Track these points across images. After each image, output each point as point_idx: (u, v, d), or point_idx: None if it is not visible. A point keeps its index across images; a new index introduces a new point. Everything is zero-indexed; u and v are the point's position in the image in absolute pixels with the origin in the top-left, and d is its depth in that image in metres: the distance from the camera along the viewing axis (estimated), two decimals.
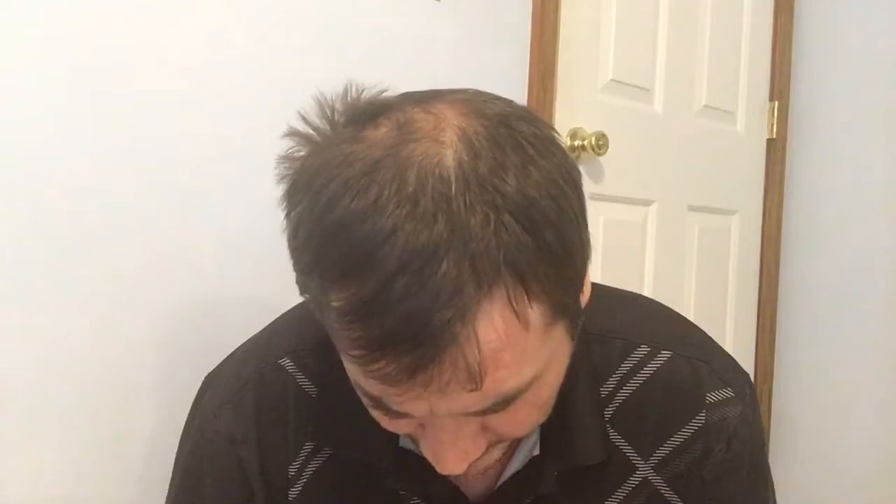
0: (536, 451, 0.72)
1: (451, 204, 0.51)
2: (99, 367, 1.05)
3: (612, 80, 1.78)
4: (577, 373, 0.71)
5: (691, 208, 2.01)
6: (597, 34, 1.76)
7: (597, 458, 0.73)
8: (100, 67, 1.03)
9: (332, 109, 0.58)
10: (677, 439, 0.75)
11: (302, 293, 0.59)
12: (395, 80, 1.36)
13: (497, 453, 0.65)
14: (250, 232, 1.17)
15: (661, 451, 0.75)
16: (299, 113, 0.59)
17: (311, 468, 0.76)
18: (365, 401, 0.60)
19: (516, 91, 1.57)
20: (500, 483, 0.73)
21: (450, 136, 0.54)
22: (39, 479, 1.01)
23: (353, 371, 0.58)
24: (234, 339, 0.86)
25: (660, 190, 1.92)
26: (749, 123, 2.16)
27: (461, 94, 0.59)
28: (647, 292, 1.85)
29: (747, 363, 2.16)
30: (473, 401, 0.55)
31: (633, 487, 0.75)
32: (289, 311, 0.83)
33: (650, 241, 1.91)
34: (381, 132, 0.55)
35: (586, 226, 0.59)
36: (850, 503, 2.10)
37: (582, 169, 1.68)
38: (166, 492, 0.84)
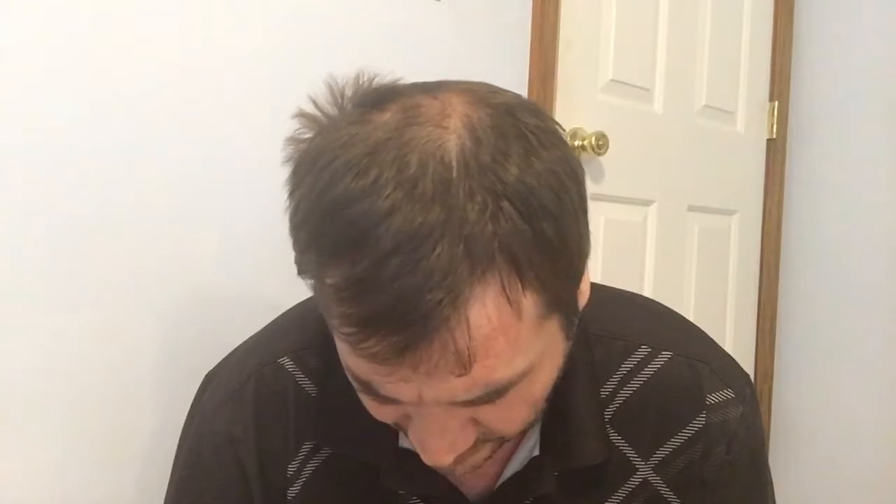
0: (536, 452, 0.72)
1: (451, 188, 0.51)
2: (99, 367, 1.05)
3: (612, 80, 1.78)
4: (577, 373, 0.71)
5: (691, 208, 2.01)
6: (597, 34, 1.76)
7: (597, 458, 0.73)
8: (100, 67, 1.03)
9: (342, 94, 0.59)
10: (678, 440, 0.75)
11: (299, 272, 0.58)
12: (395, 79, 1.35)
13: (486, 451, 0.65)
14: (251, 231, 1.17)
15: (662, 452, 0.75)
16: (309, 96, 0.59)
17: (310, 467, 0.76)
18: (355, 384, 0.60)
19: (516, 91, 1.57)
20: (499, 483, 0.73)
21: (454, 123, 0.54)
22: (39, 479, 1.01)
23: (343, 351, 0.58)
24: (234, 338, 0.86)
25: (660, 190, 1.92)
26: (749, 123, 2.16)
27: (469, 84, 0.59)
28: (647, 292, 1.85)
29: (747, 363, 2.16)
30: (462, 388, 0.55)
31: (633, 488, 0.75)
32: (289, 310, 0.83)
33: (650, 241, 1.91)
34: (387, 116, 0.55)
35: (586, 222, 0.59)
36: (850, 503, 2.10)
37: None
38: (165, 490, 0.84)
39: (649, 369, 0.75)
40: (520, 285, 0.53)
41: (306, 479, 0.76)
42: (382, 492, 0.74)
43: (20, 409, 0.99)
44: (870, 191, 2.11)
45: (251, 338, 0.84)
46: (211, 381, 0.82)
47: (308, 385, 0.76)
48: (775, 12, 2.19)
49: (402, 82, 0.60)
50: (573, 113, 1.69)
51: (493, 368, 0.54)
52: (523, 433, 0.69)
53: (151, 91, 1.07)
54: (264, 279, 1.16)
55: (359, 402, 0.62)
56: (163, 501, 0.84)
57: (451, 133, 0.53)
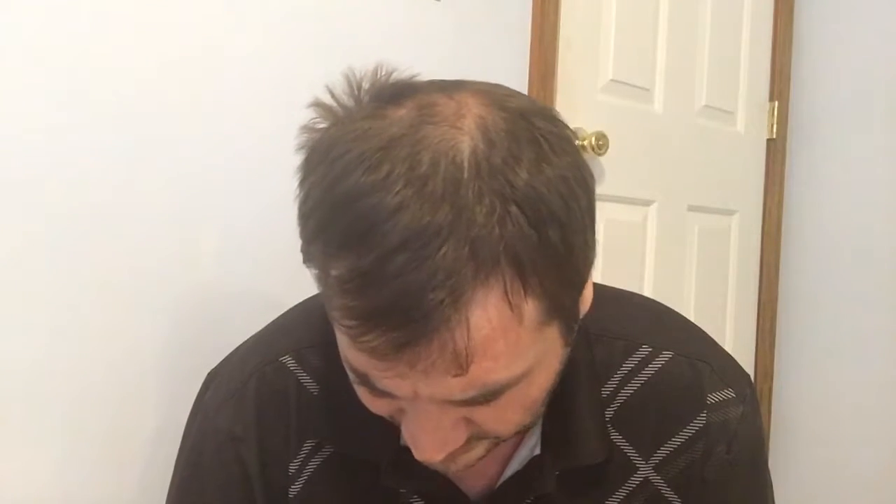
0: (537, 451, 0.72)
1: (460, 189, 0.51)
2: (99, 367, 1.05)
3: (612, 80, 1.79)
4: (578, 373, 0.71)
5: (691, 208, 2.01)
6: (597, 34, 1.76)
7: (597, 458, 0.73)
8: (101, 67, 1.03)
9: (359, 86, 0.59)
10: (678, 440, 0.75)
11: (305, 261, 0.59)
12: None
13: (480, 451, 0.65)
14: (252, 230, 1.17)
15: (662, 452, 0.75)
16: (326, 86, 0.59)
17: (311, 466, 0.76)
18: (351, 376, 0.60)
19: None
20: (500, 482, 0.73)
21: (468, 124, 0.54)
22: (40, 479, 1.01)
23: (343, 343, 0.58)
24: (235, 337, 0.86)
25: (660, 190, 1.92)
26: (749, 123, 2.16)
27: (486, 85, 0.60)
28: (647, 292, 1.85)
29: (747, 363, 2.16)
30: (458, 387, 0.55)
31: (633, 487, 0.75)
32: (291, 309, 0.83)
33: (650, 241, 1.91)
34: (402, 112, 0.56)
35: (593, 230, 0.59)
36: (850, 503, 2.10)
37: None
38: (167, 492, 0.84)
39: (650, 369, 0.75)
40: (522, 290, 0.53)
41: (308, 477, 0.76)
42: (383, 490, 0.74)
43: (20, 409, 0.99)
44: (870, 191, 2.11)
45: (253, 337, 0.84)
46: (213, 380, 0.83)
47: (310, 384, 0.76)
48: (775, 12, 2.19)
49: (419, 79, 0.61)
50: (573, 113, 1.69)
51: (490, 370, 0.55)
52: (520, 434, 0.69)
53: (152, 91, 1.07)
54: (265, 278, 1.17)
55: (360, 400, 0.62)
56: (164, 500, 0.84)
57: (465, 134, 0.54)
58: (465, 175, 0.52)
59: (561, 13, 1.65)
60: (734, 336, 2.14)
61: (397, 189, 0.51)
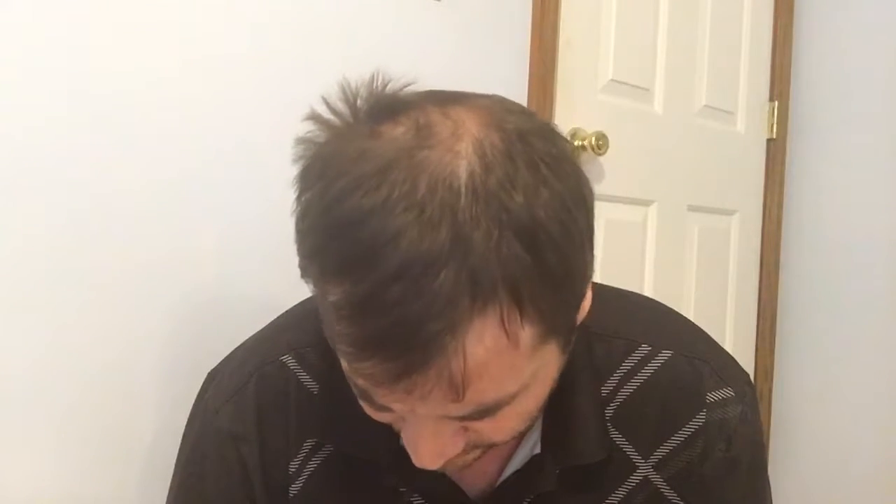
0: (537, 450, 0.73)
1: (458, 216, 0.51)
2: (100, 366, 1.05)
3: (612, 80, 1.79)
4: (578, 372, 0.71)
5: (691, 208, 2.01)
6: (597, 34, 1.76)
7: (597, 456, 0.73)
8: (100, 67, 1.03)
9: (355, 97, 0.59)
10: (677, 438, 0.75)
11: (303, 276, 0.59)
12: (395, 79, 1.35)
13: (477, 454, 0.65)
14: (251, 230, 1.17)
15: (662, 450, 0.75)
16: (323, 97, 0.59)
17: (312, 465, 0.76)
18: (353, 388, 0.61)
19: (516, 91, 1.57)
20: (500, 481, 0.74)
21: (465, 147, 0.54)
22: (40, 479, 1.01)
23: (342, 360, 0.59)
24: (235, 337, 0.86)
25: (660, 190, 1.92)
26: (749, 123, 2.16)
27: (485, 100, 0.59)
28: (647, 292, 1.85)
29: (747, 363, 2.16)
30: (454, 408, 0.56)
31: (633, 486, 0.75)
32: (291, 308, 0.83)
33: (650, 241, 1.91)
34: (399, 131, 0.55)
35: (592, 248, 0.59)
36: (850, 503, 2.10)
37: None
38: (167, 491, 0.84)
39: (650, 368, 0.75)
40: (519, 317, 0.53)
41: (308, 476, 0.76)
42: (384, 489, 0.74)
43: (20, 410, 0.99)
44: (870, 191, 2.11)
45: (253, 336, 0.84)
46: (213, 379, 0.83)
47: (310, 383, 0.76)
48: (775, 12, 2.19)
49: (415, 88, 0.60)
50: (573, 113, 1.69)
51: (486, 392, 0.55)
52: (518, 438, 0.70)
53: (152, 90, 1.07)
54: (265, 278, 1.17)
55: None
56: (164, 500, 0.84)
57: (462, 158, 0.53)
58: (462, 201, 0.51)
59: (561, 13, 1.65)
60: (734, 336, 2.14)
61: (395, 215, 0.51)
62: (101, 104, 1.03)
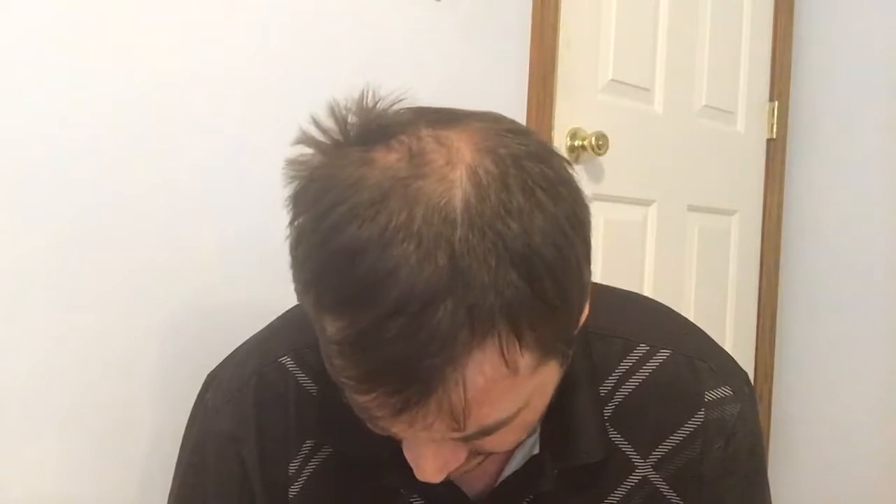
0: (536, 450, 0.73)
1: (455, 247, 0.51)
2: (100, 367, 1.05)
3: (612, 80, 1.79)
4: (576, 372, 0.71)
5: (691, 208, 2.01)
6: (597, 34, 1.76)
7: (596, 456, 0.73)
8: (101, 69, 1.03)
9: (345, 117, 0.58)
10: (676, 438, 0.75)
11: (299, 301, 0.59)
12: (395, 80, 1.35)
13: (479, 459, 0.66)
14: (251, 232, 1.17)
15: (661, 450, 0.75)
16: (312, 117, 0.58)
17: (311, 466, 0.76)
18: (353, 408, 0.61)
19: (516, 91, 1.58)
20: (499, 481, 0.74)
21: (459, 175, 0.54)
22: (40, 480, 1.01)
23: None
24: (235, 338, 0.86)
25: (660, 190, 1.92)
26: (749, 123, 2.16)
27: (477, 121, 0.58)
28: (647, 292, 1.85)
29: (747, 363, 2.16)
30: (457, 434, 0.56)
31: (632, 486, 0.75)
32: (290, 309, 0.83)
33: (650, 241, 1.91)
34: (392, 158, 0.55)
35: (589, 265, 0.59)
36: (851, 503, 2.10)
37: (582, 169, 1.70)
38: (167, 492, 0.84)
39: (648, 367, 0.75)
40: (518, 346, 0.53)
41: (307, 477, 0.76)
42: (383, 490, 0.74)
43: (20, 409, 0.99)
44: (870, 191, 2.11)
45: (252, 338, 0.84)
46: (212, 381, 0.83)
47: (309, 384, 0.76)
48: (775, 12, 2.19)
49: (407, 103, 0.60)
50: (573, 113, 1.69)
51: (487, 416, 0.56)
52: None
53: (153, 94, 1.07)
54: (264, 280, 1.16)
55: None
56: (165, 501, 0.84)
57: (457, 187, 0.53)
58: (459, 232, 0.51)
59: (561, 13, 1.65)
60: (734, 336, 2.14)
61: (393, 248, 0.51)
62: (103, 107, 1.03)
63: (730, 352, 0.82)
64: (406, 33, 1.37)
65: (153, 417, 1.10)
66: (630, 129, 1.82)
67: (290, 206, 0.58)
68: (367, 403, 0.55)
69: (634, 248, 1.88)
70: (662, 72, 1.90)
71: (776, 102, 2.19)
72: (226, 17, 1.15)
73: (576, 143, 1.68)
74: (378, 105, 0.59)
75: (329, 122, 0.58)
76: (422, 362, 0.51)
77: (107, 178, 1.04)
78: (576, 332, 0.61)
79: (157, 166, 1.08)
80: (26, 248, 0.98)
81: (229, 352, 0.85)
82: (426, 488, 0.74)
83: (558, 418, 0.71)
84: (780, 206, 2.22)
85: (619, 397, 0.75)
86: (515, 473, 0.73)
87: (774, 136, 2.20)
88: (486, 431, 0.58)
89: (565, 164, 0.59)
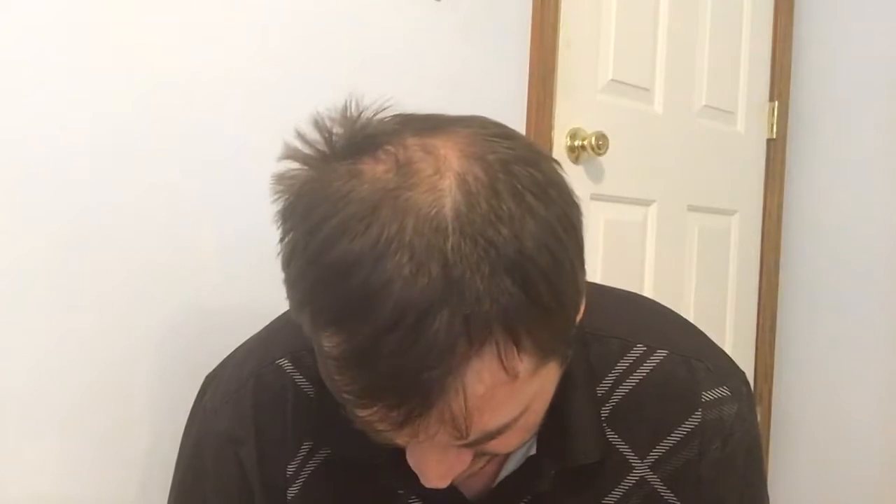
0: (533, 451, 0.73)
1: (447, 257, 0.51)
2: (99, 368, 1.05)
3: (612, 80, 1.79)
4: (573, 372, 0.71)
5: (691, 208, 2.01)
6: (597, 34, 1.76)
7: (593, 457, 0.73)
8: (101, 70, 1.03)
9: (330, 129, 0.58)
10: (674, 438, 0.75)
11: (294, 317, 0.59)
12: (396, 80, 1.36)
13: (483, 461, 0.66)
14: (251, 232, 1.17)
15: (658, 450, 0.75)
16: (296, 131, 0.58)
17: (309, 467, 0.76)
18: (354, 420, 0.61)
19: (516, 91, 1.58)
20: (497, 482, 0.74)
21: (448, 183, 0.53)
22: (40, 480, 1.01)
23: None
24: (234, 340, 0.86)
25: (660, 190, 1.92)
26: (749, 123, 2.16)
27: (464, 127, 0.58)
28: (647, 292, 1.85)
29: (747, 363, 2.16)
30: (459, 441, 0.57)
31: (629, 486, 0.75)
32: (287, 311, 0.83)
33: (650, 241, 1.91)
34: (380, 170, 0.54)
35: (583, 267, 0.59)
36: (850, 503, 2.10)
37: (582, 169, 1.70)
38: (166, 492, 0.84)
39: (645, 367, 0.75)
40: (516, 351, 0.54)
41: (305, 478, 0.76)
42: (381, 491, 0.74)
43: (20, 409, 0.99)
44: (870, 191, 2.11)
45: (250, 339, 0.84)
46: (211, 382, 0.83)
47: (306, 386, 0.76)
48: (775, 12, 2.19)
49: (391, 109, 0.59)
50: (573, 113, 1.70)
51: (489, 422, 0.56)
52: None
53: (153, 94, 1.08)
54: (265, 282, 1.16)
55: None
56: (165, 501, 0.84)
57: (446, 196, 0.53)
58: (450, 241, 0.51)
59: (561, 13, 1.65)
60: (734, 336, 2.14)
61: (385, 261, 0.51)
62: (103, 107, 1.03)
63: (730, 352, 0.82)
64: (406, 33, 1.37)
65: (153, 417, 1.10)
66: (630, 129, 1.82)
67: (279, 223, 0.58)
68: (368, 418, 0.55)
69: (634, 248, 1.88)
70: (662, 72, 1.90)
71: (776, 102, 2.19)
72: (226, 17, 1.15)
73: (576, 143, 1.68)
74: (362, 114, 0.58)
75: (314, 135, 0.58)
76: (421, 375, 0.51)
77: (107, 178, 1.04)
78: (573, 331, 0.61)
79: (157, 166, 1.08)
80: (26, 248, 0.98)
81: (229, 352, 0.85)
82: (424, 489, 0.73)
83: (555, 419, 0.71)
84: (780, 206, 2.22)
85: (616, 398, 0.75)
86: (513, 474, 0.73)
87: (774, 136, 2.20)
88: (490, 436, 0.58)
89: (554, 165, 0.59)
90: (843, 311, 2.14)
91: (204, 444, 0.79)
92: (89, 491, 1.05)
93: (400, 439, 0.57)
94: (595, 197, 1.74)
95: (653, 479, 0.75)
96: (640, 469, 0.75)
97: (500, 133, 0.59)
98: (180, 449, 0.83)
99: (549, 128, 1.64)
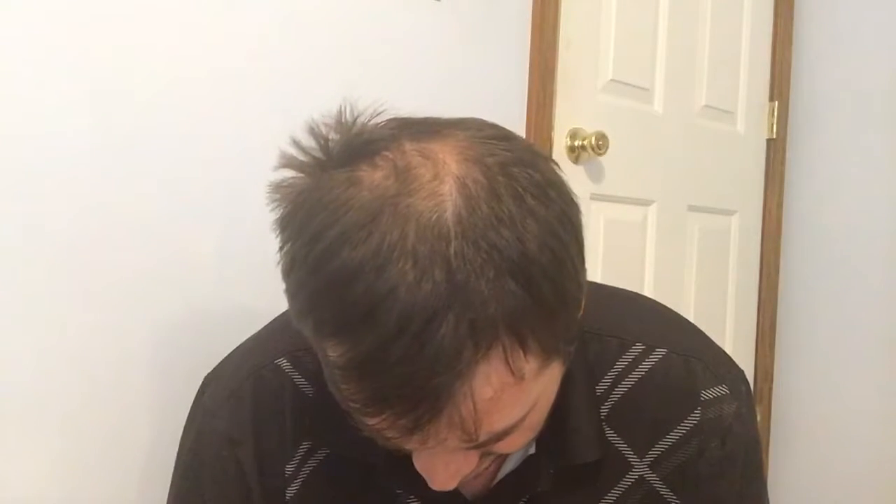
0: (532, 450, 0.73)
1: (451, 262, 0.51)
2: (99, 369, 1.05)
3: (612, 80, 1.79)
4: (572, 372, 0.71)
5: (691, 208, 2.01)
6: (597, 34, 1.76)
7: (592, 456, 0.73)
8: (101, 71, 1.03)
9: (326, 138, 0.57)
10: (673, 437, 0.75)
11: (296, 326, 0.59)
12: (396, 80, 1.36)
13: (487, 463, 0.67)
14: (250, 235, 1.17)
15: (657, 449, 0.75)
16: (292, 138, 0.58)
17: (308, 467, 0.76)
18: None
19: (516, 91, 1.58)
20: (496, 481, 0.74)
21: (448, 188, 0.53)
22: (40, 480, 1.01)
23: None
24: (233, 340, 0.86)
25: (660, 190, 1.92)
26: (749, 123, 2.16)
27: (460, 131, 0.58)
28: (647, 292, 1.85)
29: (747, 363, 2.16)
30: (468, 444, 0.57)
31: (628, 485, 0.75)
32: (286, 311, 0.83)
33: (650, 241, 1.91)
34: (379, 176, 0.54)
35: (583, 265, 0.59)
36: (850, 503, 2.10)
37: (582, 169, 1.70)
38: (166, 492, 0.84)
39: (644, 366, 0.75)
40: (522, 353, 0.54)
41: (304, 479, 0.76)
42: (380, 491, 0.74)
43: (20, 410, 0.99)
44: (870, 191, 2.11)
45: (249, 339, 0.84)
46: (210, 382, 0.83)
47: (305, 386, 0.76)
48: (775, 12, 2.19)
49: (386, 117, 0.59)
50: (573, 113, 1.70)
51: (497, 423, 0.56)
52: None
53: (153, 94, 1.08)
54: (264, 283, 1.16)
55: None
56: (163, 501, 0.84)
57: (447, 201, 0.53)
58: (453, 246, 0.51)
59: (561, 13, 1.65)
60: (734, 336, 2.14)
61: (388, 268, 0.51)
62: (103, 107, 1.03)
63: (730, 352, 0.82)
64: (406, 33, 1.37)
65: (152, 418, 1.10)
66: (630, 129, 1.82)
67: (279, 232, 0.58)
68: (377, 426, 0.55)
69: (634, 248, 1.88)
70: (662, 72, 1.90)
71: (776, 102, 2.19)
72: (226, 17, 1.15)
73: (576, 143, 1.68)
74: (358, 120, 0.58)
75: (310, 142, 0.57)
76: (429, 381, 0.51)
77: (107, 178, 1.04)
78: (576, 329, 0.62)
79: (157, 167, 1.08)
80: (26, 249, 0.98)
81: (228, 352, 0.85)
82: (423, 489, 0.73)
83: (554, 418, 0.70)
84: (780, 206, 2.22)
85: (615, 396, 0.75)
86: (512, 473, 0.73)
87: (774, 136, 2.20)
88: (498, 437, 0.58)
89: (552, 165, 0.59)
90: (843, 311, 2.14)
91: (203, 445, 0.79)
92: (89, 491, 1.05)
93: (409, 445, 0.57)
94: (595, 197, 1.74)
95: (652, 477, 0.75)
96: (639, 468, 0.75)
97: (498, 135, 0.59)
98: (179, 449, 0.83)
99: (550, 128, 1.64)
